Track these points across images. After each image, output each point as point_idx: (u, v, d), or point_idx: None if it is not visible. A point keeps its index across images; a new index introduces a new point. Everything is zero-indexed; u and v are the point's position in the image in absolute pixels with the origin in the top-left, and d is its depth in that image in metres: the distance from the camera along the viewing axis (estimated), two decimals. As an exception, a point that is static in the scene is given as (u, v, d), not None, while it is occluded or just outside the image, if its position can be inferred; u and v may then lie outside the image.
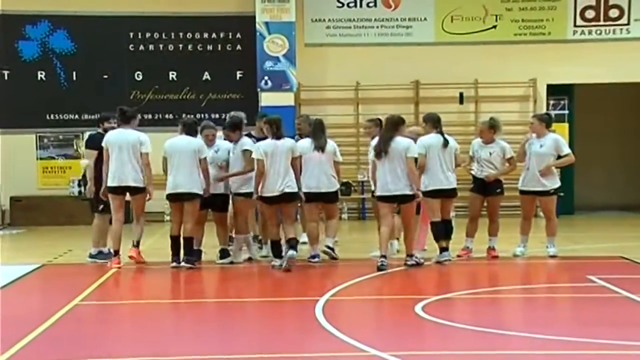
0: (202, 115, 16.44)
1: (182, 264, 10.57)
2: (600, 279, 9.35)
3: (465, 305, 8.59)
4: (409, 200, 10.35)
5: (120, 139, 10.71)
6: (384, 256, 10.33)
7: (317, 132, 11.09)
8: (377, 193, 10.51)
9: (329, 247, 11.16)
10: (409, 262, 10.53)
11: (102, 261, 11.14)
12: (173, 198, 10.72)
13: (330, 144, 11.14)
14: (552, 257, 11.11)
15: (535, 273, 10.86)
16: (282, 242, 10.64)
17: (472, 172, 11.37)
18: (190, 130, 10.76)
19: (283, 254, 10.46)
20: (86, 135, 12.87)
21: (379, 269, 10.17)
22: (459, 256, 11.18)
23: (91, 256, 11.36)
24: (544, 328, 7.20)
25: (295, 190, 10.47)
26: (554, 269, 10.88)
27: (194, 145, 10.63)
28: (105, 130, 11.33)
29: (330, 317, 7.58)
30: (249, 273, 10.79)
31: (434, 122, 10.94)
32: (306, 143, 11.03)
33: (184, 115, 16.53)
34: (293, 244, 10.45)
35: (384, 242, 10.40)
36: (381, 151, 10.33)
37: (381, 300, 8.94)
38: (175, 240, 10.70)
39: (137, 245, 10.90)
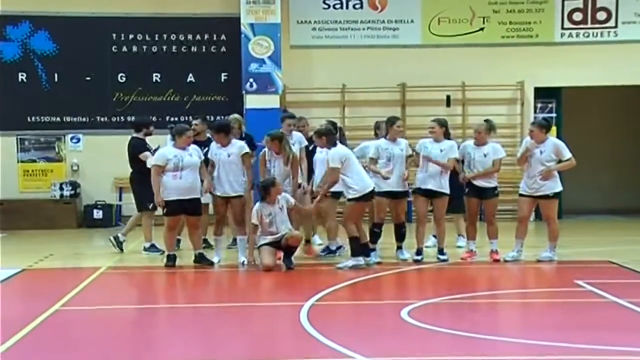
0: (186, 118, 16.34)
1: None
2: (588, 284, 9.29)
3: (450, 310, 8.51)
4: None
5: None
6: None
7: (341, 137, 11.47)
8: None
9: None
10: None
11: (155, 253, 11.83)
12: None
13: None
14: (539, 261, 11.04)
15: (523, 277, 10.80)
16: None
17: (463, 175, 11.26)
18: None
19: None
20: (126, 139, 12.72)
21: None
22: (462, 259, 11.30)
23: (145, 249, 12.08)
24: (530, 333, 7.14)
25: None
26: (541, 273, 10.81)
27: None
28: (147, 135, 12.14)
29: (315, 322, 7.48)
30: (232, 277, 10.68)
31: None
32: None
33: (167, 118, 16.76)
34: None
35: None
36: None
37: (366, 305, 8.83)
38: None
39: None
